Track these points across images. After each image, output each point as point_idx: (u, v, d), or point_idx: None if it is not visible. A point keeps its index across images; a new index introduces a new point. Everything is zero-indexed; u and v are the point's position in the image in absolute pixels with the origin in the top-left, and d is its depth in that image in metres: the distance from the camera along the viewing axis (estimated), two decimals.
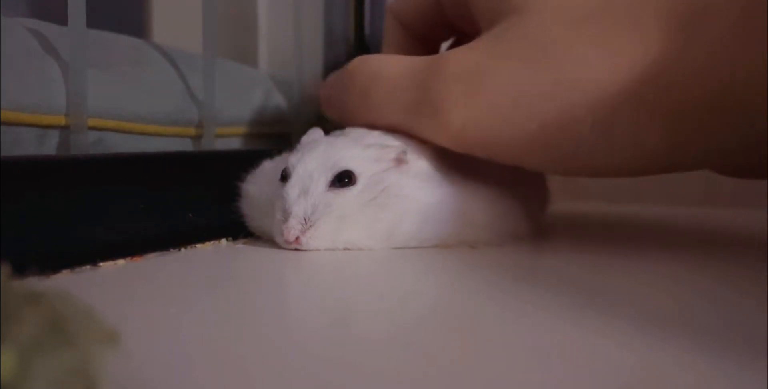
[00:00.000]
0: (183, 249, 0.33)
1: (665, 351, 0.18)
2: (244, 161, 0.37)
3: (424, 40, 0.41)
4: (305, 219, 0.31)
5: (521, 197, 0.37)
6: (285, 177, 0.33)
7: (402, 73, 0.33)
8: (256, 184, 0.36)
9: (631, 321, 0.21)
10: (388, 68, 0.34)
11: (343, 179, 0.32)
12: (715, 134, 0.27)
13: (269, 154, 0.38)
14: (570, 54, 0.28)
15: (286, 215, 0.32)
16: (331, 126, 0.38)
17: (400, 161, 0.33)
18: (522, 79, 0.29)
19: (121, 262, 0.29)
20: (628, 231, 0.40)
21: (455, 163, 0.35)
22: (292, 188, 0.32)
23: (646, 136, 0.27)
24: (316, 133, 0.37)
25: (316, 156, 0.33)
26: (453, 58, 0.31)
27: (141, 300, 0.23)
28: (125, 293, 0.24)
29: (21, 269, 0.16)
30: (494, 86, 0.30)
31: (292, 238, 0.31)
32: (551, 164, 0.31)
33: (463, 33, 0.40)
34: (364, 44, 0.58)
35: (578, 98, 0.28)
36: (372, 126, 0.35)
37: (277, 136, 0.52)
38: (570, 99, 0.28)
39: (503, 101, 0.29)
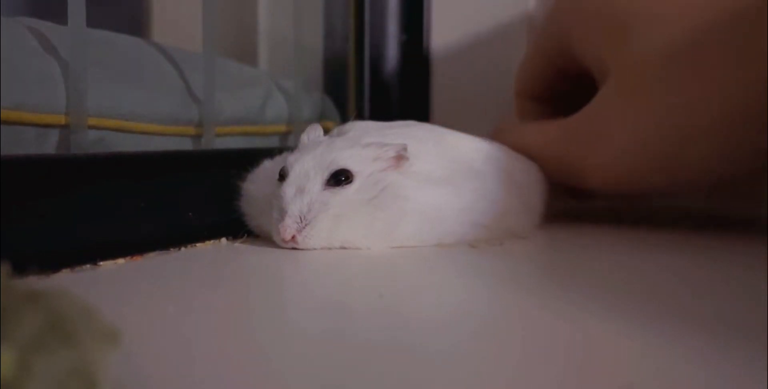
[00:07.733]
0: (183, 248, 0.33)
1: (667, 347, 0.18)
2: (244, 161, 0.37)
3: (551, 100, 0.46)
4: (301, 218, 0.31)
5: (521, 196, 0.37)
6: (283, 176, 0.33)
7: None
8: (256, 183, 0.36)
9: (632, 318, 0.21)
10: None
11: (340, 177, 0.32)
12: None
13: (269, 153, 0.38)
14: (672, 91, 0.33)
15: (282, 213, 0.32)
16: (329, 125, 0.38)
17: (400, 158, 0.33)
18: (640, 118, 0.35)
19: (121, 261, 0.29)
20: (628, 230, 0.40)
21: (455, 163, 0.35)
22: (289, 187, 0.32)
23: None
24: (315, 130, 0.37)
25: (314, 155, 0.33)
26: (577, 121, 0.38)
27: (141, 299, 0.23)
28: (125, 292, 0.24)
29: (21, 269, 0.16)
30: (620, 131, 0.36)
31: (287, 236, 0.31)
32: (673, 181, 0.37)
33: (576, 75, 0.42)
34: (363, 44, 0.58)
35: (694, 122, 0.33)
36: None
37: (277, 135, 0.52)
38: (687, 124, 0.33)
39: (630, 142, 0.35)
